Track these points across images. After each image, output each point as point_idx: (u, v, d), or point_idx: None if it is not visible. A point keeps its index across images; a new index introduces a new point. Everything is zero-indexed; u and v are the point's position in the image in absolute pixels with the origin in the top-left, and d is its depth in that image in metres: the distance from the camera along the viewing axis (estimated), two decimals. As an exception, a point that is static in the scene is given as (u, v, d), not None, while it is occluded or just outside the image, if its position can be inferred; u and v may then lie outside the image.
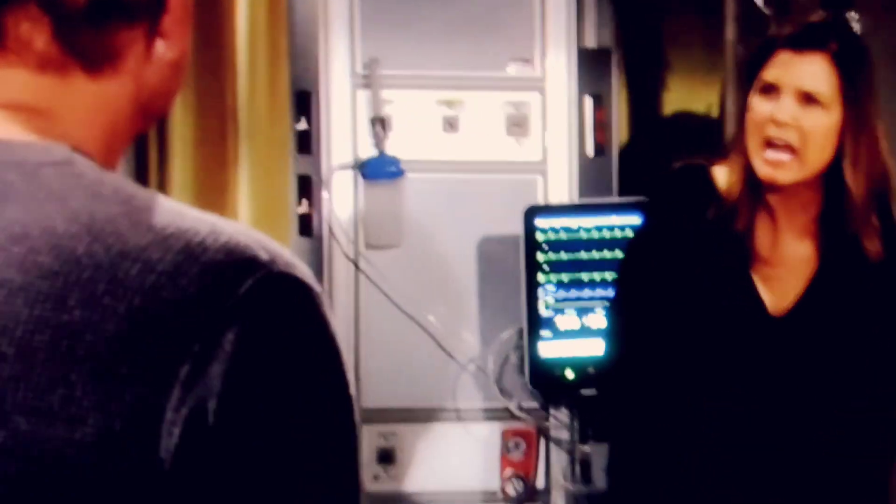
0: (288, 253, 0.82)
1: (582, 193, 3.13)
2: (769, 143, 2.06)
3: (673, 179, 2.22)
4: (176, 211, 0.82)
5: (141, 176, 2.69)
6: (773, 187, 2.10)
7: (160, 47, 0.88)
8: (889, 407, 2.18)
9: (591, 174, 3.16)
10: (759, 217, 2.14)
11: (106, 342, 0.77)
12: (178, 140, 2.67)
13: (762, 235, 2.15)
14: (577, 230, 3.01)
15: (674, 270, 2.16)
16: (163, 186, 2.78)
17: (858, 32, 3.29)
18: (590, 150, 3.15)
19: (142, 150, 2.65)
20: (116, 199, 0.81)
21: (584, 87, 3.12)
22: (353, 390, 0.82)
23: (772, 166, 2.06)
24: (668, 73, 3.36)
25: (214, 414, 0.77)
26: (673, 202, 2.20)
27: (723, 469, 2.17)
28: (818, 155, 2.07)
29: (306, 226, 3.01)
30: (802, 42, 2.07)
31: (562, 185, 3.12)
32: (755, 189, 2.11)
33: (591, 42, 3.16)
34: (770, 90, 2.07)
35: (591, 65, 3.15)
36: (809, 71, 2.05)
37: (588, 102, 3.14)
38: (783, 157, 2.05)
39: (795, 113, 2.05)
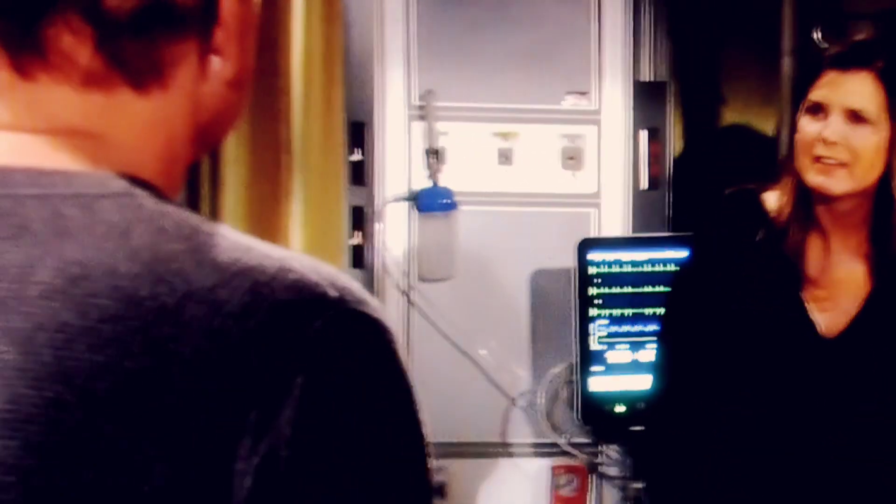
0: (358, 288, 0.78)
1: (635, 227, 3.10)
2: (818, 161, 2.08)
3: (722, 205, 2.23)
4: (242, 246, 0.77)
5: (193, 209, 2.64)
6: (824, 203, 2.11)
7: (216, 64, 0.82)
8: None
9: (645, 208, 3.12)
10: (809, 238, 2.14)
11: (172, 389, 0.73)
12: (231, 171, 2.63)
13: (813, 256, 2.15)
14: (630, 264, 2.97)
15: (722, 296, 2.15)
16: (213, 215, 2.74)
17: None
18: (644, 183, 3.11)
19: (194, 182, 2.61)
20: (179, 234, 0.77)
21: (639, 120, 3.10)
22: (426, 431, 0.78)
23: (823, 175, 2.07)
24: (723, 107, 3.30)
25: (286, 462, 0.73)
26: (721, 227, 2.20)
27: (773, 493, 2.15)
28: (868, 171, 2.08)
29: (359, 258, 2.99)
30: (848, 61, 2.08)
31: (616, 219, 3.09)
32: (806, 208, 2.13)
33: (646, 75, 3.13)
34: (818, 110, 2.09)
35: (647, 98, 3.12)
36: (856, 89, 2.06)
37: (643, 135, 3.11)
38: (833, 167, 2.07)
39: (844, 132, 2.06)
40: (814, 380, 2.13)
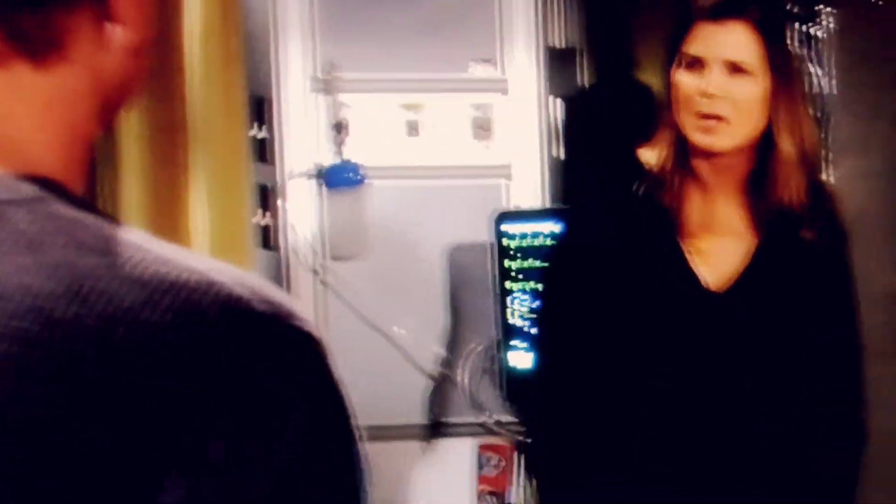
0: (286, 299, 0.75)
1: (551, 198, 3.04)
2: (701, 116, 2.04)
3: (596, 164, 2.23)
4: (163, 258, 0.73)
5: (89, 189, 2.53)
6: (705, 157, 2.08)
7: (114, 32, 0.79)
8: (828, 386, 2.16)
9: (561, 177, 3.05)
10: (690, 191, 2.11)
11: (93, 417, 0.69)
12: (129, 154, 2.53)
13: (694, 209, 2.12)
14: (548, 236, 2.91)
15: (602, 254, 2.12)
16: (113, 199, 2.63)
17: (832, 28, 3.25)
18: (558, 152, 3.06)
19: (90, 167, 2.49)
20: (96, 246, 0.73)
21: (550, 87, 3.04)
22: (362, 448, 0.76)
23: (706, 133, 2.04)
24: (637, 71, 3.25)
25: (217, 492, 0.70)
26: (597, 187, 2.18)
27: (662, 451, 2.12)
28: (750, 123, 2.05)
29: (266, 238, 2.91)
30: (723, 12, 2.04)
31: (530, 190, 3.04)
32: (683, 161, 2.09)
33: (556, 41, 3.07)
34: (695, 64, 2.04)
35: (558, 64, 3.07)
36: (733, 41, 2.03)
37: (556, 104, 3.05)
38: (716, 123, 2.04)
39: (725, 84, 2.03)
40: (701, 334, 2.11)
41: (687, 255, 2.11)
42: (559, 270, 2.21)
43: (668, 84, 2.08)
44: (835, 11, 3.21)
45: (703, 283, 2.11)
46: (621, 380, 2.12)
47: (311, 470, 0.72)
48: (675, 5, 3.14)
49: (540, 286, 2.38)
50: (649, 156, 2.12)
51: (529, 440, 2.47)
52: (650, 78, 3.26)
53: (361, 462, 0.76)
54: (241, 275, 0.75)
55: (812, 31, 3.27)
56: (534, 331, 2.81)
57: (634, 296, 2.10)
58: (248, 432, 0.71)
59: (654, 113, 3.23)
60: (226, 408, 0.70)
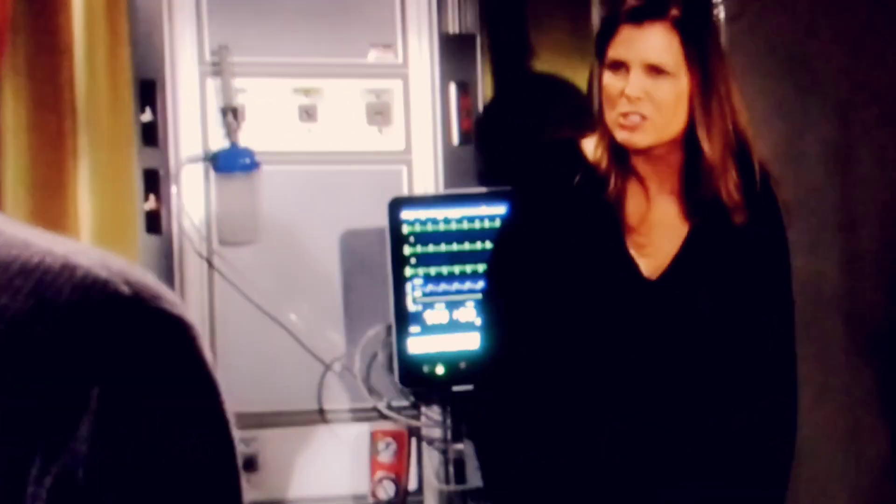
0: (154, 281, 0.73)
1: (448, 183, 3.03)
2: (624, 116, 2.14)
3: (540, 154, 2.27)
4: (19, 241, 0.70)
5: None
6: (639, 153, 2.17)
7: None
8: (764, 367, 2.23)
9: (457, 163, 3.06)
10: (629, 185, 2.20)
11: None
12: (11, 134, 2.47)
13: (633, 202, 2.21)
14: (444, 221, 2.91)
15: (547, 247, 2.20)
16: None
17: (721, 17, 3.29)
18: (455, 138, 3.05)
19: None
20: None
21: (447, 73, 3.03)
22: (234, 432, 0.74)
23: (627, 131, 2.13)
24: (534, 58, 3.26)
25: (83, 482, 0.68)
26: (541, 177, 2.24)
27: (602, 435, 2.20)
28: (671, 121, 2.14)
29: (154, 223, 2.86)
30: (643, 14, 2.12)
31: (427, 176, 3.02)
32: (622, 157, 2.18)
33: (453, 27, 3.08)
34: (618, 66, 2.13)
35: (455, 51, 3.06)
36: (652, 43, 2.11)
37: (452, 89, 3.05)
38: (637, 121, 2.13)
39: (645, 86, 2.11)
40: (640, 321, 2.20)
41: (627, 247, 2.21)
42: (506, 255, 2.28)
43: (598, 85, 2.17)
44: (724, 2, 3.26)
45: (641, 272, 2.20)
46: (563, 366, 2.20)
47: (181, 454, 0.71)
48: None
49: (486, 268, 2.44)
50: (591, 148, 2.21)
51: (476, 429, 2.52)
52: (545, 65, 3.28)
53: (234, 447, 0.74)
54: (107, 257, 0.72)
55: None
56: (476, 317, 2.83)
57: (577, 286, 2.19)
58: (113, 417, 0.69)
59: (561, 98, 3.28)
60: (90, 392, 0.68)
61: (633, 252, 2.22)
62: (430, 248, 2.90)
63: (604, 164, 2.18)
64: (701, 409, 2.22)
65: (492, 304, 2.30)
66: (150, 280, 0.73)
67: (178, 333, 0.72)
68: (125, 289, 0.70)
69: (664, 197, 2.23)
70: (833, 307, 3.57)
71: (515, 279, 2.24)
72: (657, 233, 2.23)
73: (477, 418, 2.40)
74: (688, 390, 2.21)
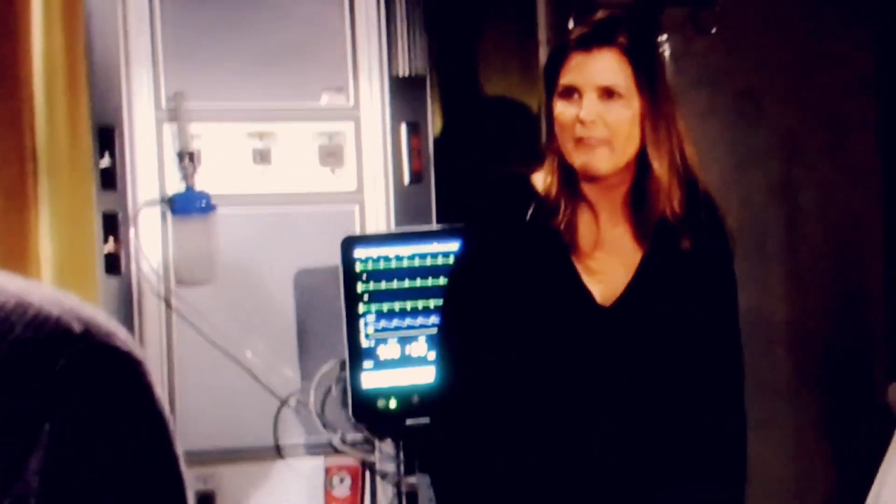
0: (105, 319, 0.77)
1: (399, 222, 3.20)
2: (580, 142, 2.22)
3: (492, 189, 2.36)
4: None
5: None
6: (589, 180, 2.26)
7: None
8: (716, 391, 2.34)
9: (409, 202, 3.23)
10: (579, 212, 2.29)
11: None
12: (-27, 181, 2.61)
13: (584, 230, 2.30)
14: (396, 259, 3.08)
15: (499, 279, 2.27)
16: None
17: (667, 55, 3.46)
18: (406, 177, 3.22)
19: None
20: None
21: (398, 114, 3.20)
22: (184, 467, 0.78)
23: (586, 155, 2.22)
24: (483, 97, 3.44)
25: None
26: (493, 212, 2.32)
27: (561, 471, 2.28)
28: (627, 144, 2.23)
29: (114, 265, 3.02)
30: (592, 40, 2.22)
31: (379, 215, 3.20)
32: (572, 185, 2.27)
33: (403, 69, 3.24)
34: (571, 93, 2.22)
35: (405, 92, 3.23)
36: (603, 67, 2.20)
37: (403, 130, 3.22)
38: (595, 145, 2.22)
39: (599, 110, 2.20)
40: (595, 349, 2.28)
41: (579, 275, 2.29)
42: (460, 289, 2.36)
43: (549, 114, 2.27)
44: (669, 38, 3.41)
45: (594, 299, 2.28)
46: (519, 397, 2.28)
47: (130, 489, 0.73)
48: (518, 31, 3.35)
49: (440, 303, 2.51)
50: (540, 181, 2.30)
51: (430, 460, 2.59)
52: (497, 101, 3.47)
53: (183, 480, 0.76)
54: (59, 295, 0.76)
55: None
56: (428, 352, 3.01)
57: (532, 315, 2.27)
58: (64, 452, 0.71)
59: (511, 134, 3.44)
60: (41, 427, 0.71)
61: (585, 279, 2.29)
62: (383, 284, 3.05)
63: (553, 191, 2.27)
64: (655, 436, 2.30)
65: (446, 339, 2.37)
66: (101, 317, 0.76)
67: (128, 369, 0.75)
68: (76, 325, 0.73)
69: (615, 223, 2.31)
70: (778, 338, 3.73)
71: (469, 313, 2.31)
72: (609, 259, 2.31)
73: (432, 452, 2.48)
74: (643, 417, 2.29)
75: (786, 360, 3.72)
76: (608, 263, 2.31)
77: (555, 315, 2.28)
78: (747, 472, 2.38)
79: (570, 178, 2.27)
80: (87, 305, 0.77)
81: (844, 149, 3.75)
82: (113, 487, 0.73)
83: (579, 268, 2.29)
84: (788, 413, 3.72)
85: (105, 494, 0.73)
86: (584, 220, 2.30)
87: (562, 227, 2.27)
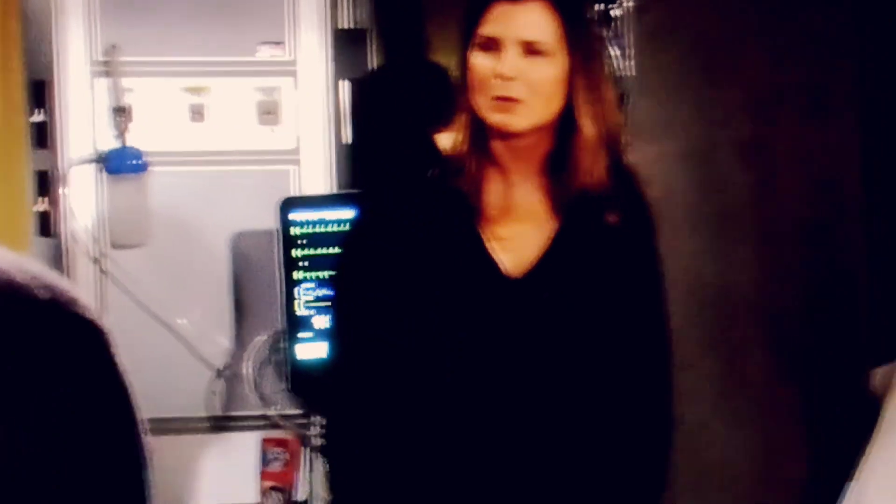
0: (69, 287, 0.90)
1: (340, 184, 3.85)
2: (497, 98, 2.47)
3: (392, 150, 2.73)
4: None
5: None
6: (503, 139, 2.50)
7: None
8: (633, 373, 2.61)
9: (349, 162, 3.88)
10: (488, 175, 2.54)
11: None
12: None
13: (493, 193, 2.55)
14: (336, 223, 3.67)
15: (399, 246, 2.54)
16: None
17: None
18: (347, 137, 3.88)
19: None
20: None
21: (339, 70, 3.88)
22: (147, 437, 0.95)
23: (502, 113, 2.46)
24: (429, 52, 4.06)
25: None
26: (394, 173, 2.62)
27: (466, 447, 2.57)
28: (548, 105, 2.48)
29: (46, 225, 3.66)
30: None
31: (318, 176, 3.86)
32: (481, 144, 2.52)
33: (345, 22, 3.90)
34: (490, 45, 2.47)
35: (347, 47, 3.90)
36: (529, 20, 2.45)
37: (344, 86, 3.89)
38: (512, 103, 2.46)
39: (520, 66, 2.45)
40: (502, 322, 2.53)
41: (485, 242, 2.54)
42: (354, 258, 2.62)
43: (464, 66, 2.51)
44: None
45: (502, 269, 2.54)
46: (419, 372, 2.54)
47: (91, 459, 0.88)
48: None
49: (333, 273, 2.81)
50: (446, 141, 2.57)
51: (324, 430, 2.85)
52: (442, 59, 4.13)
53: (146, 453, 0.93)
54: (22, 261, 0.88)
55: (611, 11, 3.95)
56: (327, 320, 3.47)
57: (431, 284, 2.52)
58: (28, 422, 0.85)
59: (448, 95, 4.03)
60: (5, 396, 0.84)
61: (493, 246, 2.54)
62: (321, 250, 3.65)
63: (462, 150, 2.51)
64: (565, 416, 2.56)
65: (340, 310, 2.64)
66: (65, 285, 0.88)
67: (93, 338, 0.88)
68: (43, 293, 0.86)
69: (528, 188, 2.55)
70: (746, 315, 4.19)
71: (365, 282, 2.55)
72: (520, 227, 2.54)
73: (326, 426, 2.74)
74: (552, 395, 2.55)
75: (756, 342, 4.20)
76: (519, 231, 2.55)
77: (458, 284, 2.52)
78: (669, 463, 2.65)
79: (481, 137, 2.51)
80: (50, 272, 0.91)
81: (821, 112, 4.23)
82: (75, 457, 0.87)
83: (486, 235, 2.54)
84: (760, 399, 4.19)
85: (66, 464, 0.87)
86: (493, 183, 2.54)
87: (468, 188, 2.52)
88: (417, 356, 2.55)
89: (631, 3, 3.97)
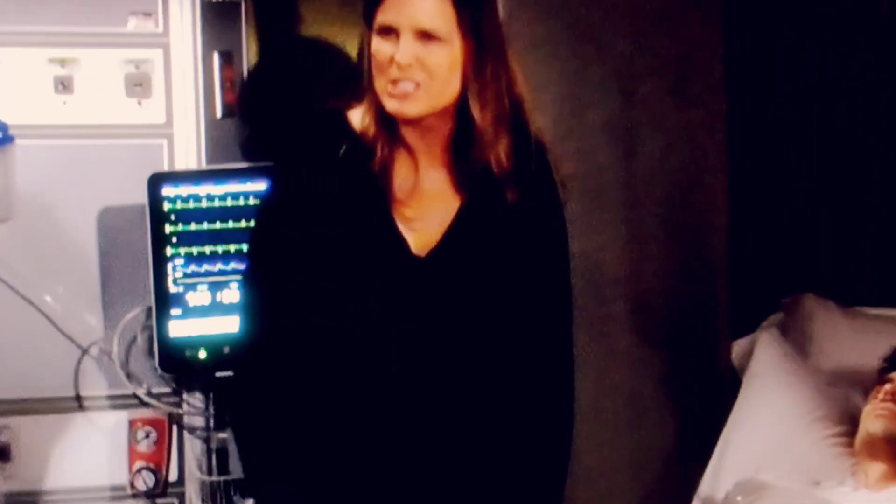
0: None
1: (211, 159, 3.78)
2: (393, 83, 2.53)
3: (304, 126, 2.64)
4: None
5: None
6: (408, 122, 2.57)
7: None
8: (538, 351, 2.66)
9: (221, 137, 3.82)
10: (397, 156, 2.61)
11: None
12: None
13: (401, 174, 2.62)
14: (207, 198, 3.63)
15: (309, 223, 2.58)
16: None
17: None
18: (218, 111, 3.81)
19: None
20: None
21: (210, 42, 3.79)
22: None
23: (398, 99, 2.53)
24: (302, 25, 3.99)
25: None
26: (305, 150, 2.62)
27: (372, 427, 2.62)
28: (444, 89, 2.54)
29: None
30: None
31: (189, 150, 3.77)
32: (389, 126, 2.58)
33: None
34: (388, 32, 2.52)
35: (218, 18, 3.82)
36: (424, 7, 2.50)
37: (215, 59, 3.81)
38: (408, 89, 2.52)
39: (416, 52, 2.50)
40: (409, 300, 2.59)
41: (395, 222, 2.60)
42: (265, 234, 2.65)
43: (368, 49, 2.55)
44: None
45: (409, 248, 2.59)
46: (327, 349, 2.58)
47: None
48: None
49: (246, 248, 2.78)
50: (356, 118, 2.61)
51: (235, 408, 2.82)
52: (315, 32, 4.01)
53: None
54: None
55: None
56: (234, 297, 3.51)
57: (342, 264, 2.57)
58: None
59: (348, 71, 3.92)
60: None
61: (401, 226, 2.60)
62: (192, 226, 3.60)
63: (370, 132, 2.57)
64: (472, 394, 2.62)
65: (252, 285, 2.66)
66: None
67: None
68: None
69: (434, 169, 2.62)
70: (614, 292, 4.15)
71: (276, 258, 2.59)
72: (427, 206, 2.61)
73: (236, 403, 2.74)
74: (458, 373, 2.60)
75: (624, 316, 4.18)
76: (426, 211, 2.62)
77: (366, 262, 2.58)
78: (571, 440, 2.71)
79: (390, 119, 2.57)
80: None
81: (688, 90, 4.19)
82: None
83: (395, 214, 2.60)
84: (627, 372, 4.18)
85: None
86: (401, 164, 2.62)
87: (377, 169, 2.59)
88: (329, 336, 2.60)
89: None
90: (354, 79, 3.27)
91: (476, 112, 2.56)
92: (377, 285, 2.59)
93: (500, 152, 2.59)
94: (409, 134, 2.61)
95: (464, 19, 2.53)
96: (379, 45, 2.54)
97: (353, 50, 3.99)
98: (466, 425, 2.64)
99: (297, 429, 2.62)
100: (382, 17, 2.53)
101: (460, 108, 2.59)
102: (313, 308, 2.59)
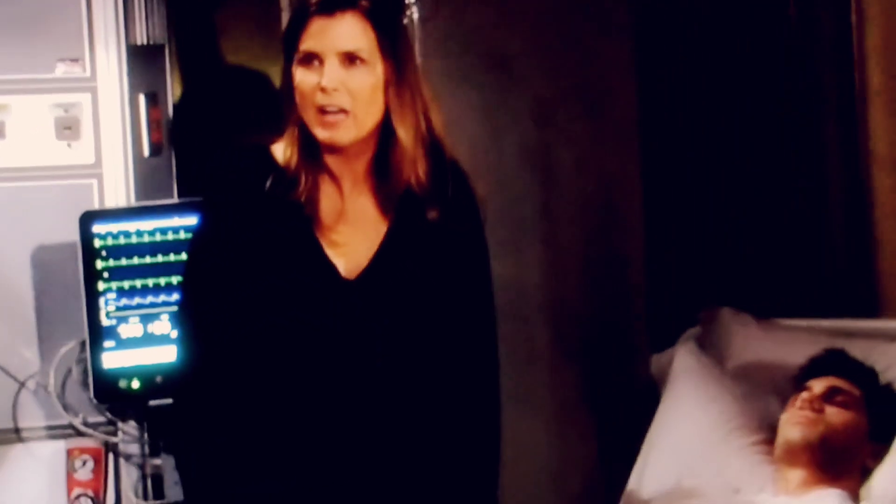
0: None
1: (139, 196, 3.92)
2: (322, 111, 2.59)
3: (229, 162, 2.71)
4: None
5: None
6: (333, 150, 2.63)
7: None
8: (467, 369, 2.74)
9: (149, 175, 3.96)
10: (321, 183, 2.67)
11: None
12: None
13: (327, 201, 2.67)
14: (136, 234, 3.78)
15: (239, 254, 2.65)
16: None
17: (415, 18, 4.12)
18: (146, 150, 3.95)
19: None
20: None
21: (136, 85, 3.93)
22: None
23: (329, 129, 2.59)
24: (224, 66, 4.15)
25: None
26: (231, 185, 2.68)
27: (308, 450, 2.68)
28: (369, 112, 2.61)
29: None
30: (333, 5, 2.58)
31: (118, 189, 3.91)
32: (313, 155, 2.64)
33: (141, 38, 3.97)
34: (311, 59, 2.59)
35: (143, 62, 3.96)
36: (345, 32, 2.58)
37: (142, 100, 3.95)
38: (338, 117, 2.59)
39: (341, 76, 2.57)
40: (340, 323, 2.65)
41: (323, 247, 2.66)
42: (196, 269, 2.71)
43: (289, 81, 2.61)
44: (417, 1, 4.02)
45: (338, 272, 2.66)
46: (262, 375, 2.65)
47: None
48: (257, 2, 4.09)
49: (180, 281, 2.84)
50: (279, 153, 2.67)
51: (175, 443, 2.95)
52: (237, 70, 4.21)
53: None
54: None
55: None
56: (172, 330, 3.61)
57: (273, 293, 2.63)
58: None
59: (271, 105, 4.01)
60: None
61: (329, 252, 2.66)
62: (123, 261, 3.73)
63: (293, 163, 2.63)
64: (403, 415, 2.69)
65: (186, 317, 2.72)
66: None
67: None
68: None
69: (359, 193, 2.69)
70: (536, 313, 4.30)
71: (209, 290, 2.66)
72: (354, 231, 2.68)
73: (175, 432, 2.78)
74: (390, 394, 2.68)
75: (544, 333, 4.32)
76: (352, 236, 2.68)
77: (298, 289, 2.64)
78: (500, 454, 2.77)
79: (312, 149, 2.63)
80: None
81: (602, 113, 4.34)
82: None
83: (323, 241, 2.67)
84: (547, 388, 4.32)
85: None
86: (326, 191, 2.68)
87: (303, 199, 2.64)
88: (261, 359, 2.66)
89: (415, 14, 4.07)
90: (277, 113, 3.31)
91: (401, 132, 2.63)
92: (308, 309, 2.65)
93: (419, 172, 2.67)
94: (332, 162, 2.67)
95: (383, 42, 2.61)
96: (303, 76, 2.60)
97: (274, 86, 4.10)
98: (399, 446, 2.72)
99: (234, 453, 2.67)
100: (306, 45, 2.59)
101: (381, 132, 2.66)
102: (247, 337, 2.65)
